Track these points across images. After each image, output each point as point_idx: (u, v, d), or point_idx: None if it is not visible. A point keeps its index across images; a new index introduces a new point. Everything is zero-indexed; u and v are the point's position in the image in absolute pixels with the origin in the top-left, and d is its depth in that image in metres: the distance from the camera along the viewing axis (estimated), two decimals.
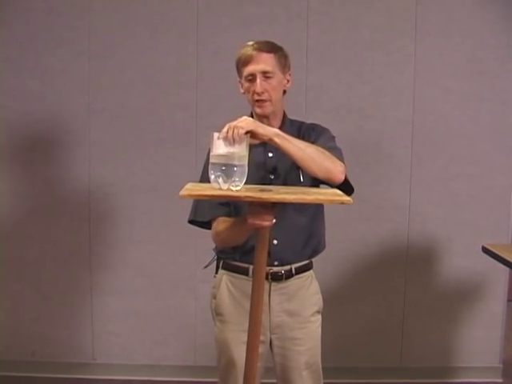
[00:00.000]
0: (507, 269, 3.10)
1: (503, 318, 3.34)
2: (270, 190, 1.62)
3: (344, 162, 1.87)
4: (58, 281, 3.29)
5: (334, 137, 2.03)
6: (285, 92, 2.01)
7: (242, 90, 1.99)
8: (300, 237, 1.99)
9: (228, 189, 1.57)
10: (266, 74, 1.90)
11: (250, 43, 1.94)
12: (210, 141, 1.61)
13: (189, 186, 1.68)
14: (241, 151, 1.60)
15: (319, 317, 2.10)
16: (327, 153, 1.80)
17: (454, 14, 3.19)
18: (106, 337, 3.34)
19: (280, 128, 1.98)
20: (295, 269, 2.01)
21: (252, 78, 1.91)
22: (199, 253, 3.27)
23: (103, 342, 3.34)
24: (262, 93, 1.90)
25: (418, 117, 3.23)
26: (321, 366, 2.09)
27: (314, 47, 3.18)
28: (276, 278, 1.98)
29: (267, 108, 1.94)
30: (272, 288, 1.99)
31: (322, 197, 1.59)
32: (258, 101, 1.92)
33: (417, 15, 3.18)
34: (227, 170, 1.56)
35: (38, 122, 3.22)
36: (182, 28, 3.18)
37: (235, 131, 1.62)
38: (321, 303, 2.11)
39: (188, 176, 3.18)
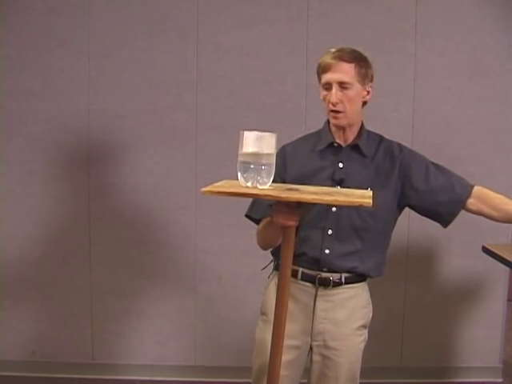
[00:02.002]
0: (507, 269, 3.10)
1: (503, 317, 3.34)
2: (297, 190, 1.61)
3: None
4: (58, 280, 3.29)
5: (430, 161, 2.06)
6: (365, 103, 1.96)
7: (322, 97, 1.95)
8: (353, 255, 1.94)
9: (254, 187, 1.56)
10: (342, 85, 1.86)
11: (333, 50, 1.90)
12: (240, 139, 1.59)
13: (221, 183, 1.67)
14: None
15: (365, 331, 2.04)
16: None
17: (454, 14, 3.19)
18: (106, 337, 3.34)
19: (354, 140, 1.95)
20: (345, 278, 1.96)
21: (329, 87, 1.87)
22: (199, 253, 3.27)
23: (103, 342, 3.34)
24: (337, 103, 1.86)
25: (418, 117, 3.23)
26: (358, 382, 2.03)
27: (314, 47, 3.17)
28: (324, 283, 1.94)
29: (341, 120, 1.90)
30: (318, 293, 1.95)
31: (341, 198, 1.52)
32: (332, 111, 1.88)
33: (417, 15, 3.18)
34: (255, 168, 1.55)
35: (37, 122, 3.22)
36: (182, 28, 3.18)
37: None
38: (368, 318, 2.06)
39: (188, 175, 3.21)
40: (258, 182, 1.56)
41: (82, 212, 3.26)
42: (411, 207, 2.04)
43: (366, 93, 1.94)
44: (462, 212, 3.23)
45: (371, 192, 1.65)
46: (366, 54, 3.15)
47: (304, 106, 3.14)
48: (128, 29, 3.18)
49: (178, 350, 3.35)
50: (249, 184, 1.56)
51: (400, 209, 2.04)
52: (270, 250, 2.07)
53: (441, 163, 3.21)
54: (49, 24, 3.17)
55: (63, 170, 3.25)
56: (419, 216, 3.22)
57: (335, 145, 1.96)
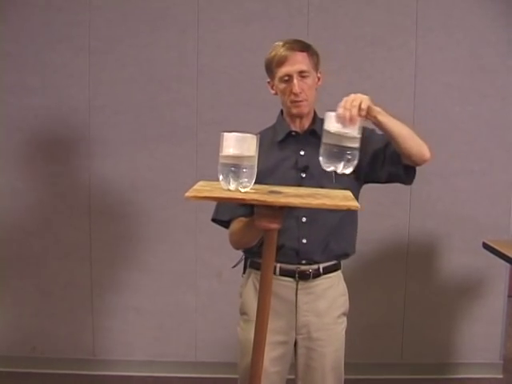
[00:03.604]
0: (507, 265, 3.10)
1: (503, 313, 3.34)
2: (279, 192, 1.60)
3: None
4: (59, 277, 3.29)
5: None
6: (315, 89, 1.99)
7: (273, 91, 1.96)
8: (329, 237, 1.96)
9: (236, 190, 1.55)
10: (302, 74, 1.88)
11: (281, 43, 1.91)
12: (220, 140, 1.59)
13: (198, 185, 1.65)
14: (353, 132, 1.57)
15: (345, 319, 2.06)
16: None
17: (455, 10, 3.19)
18: (107, 333, 3.34)
19: (310, 126, 1.98)
20: (323, 268, 1.97)
21: (288, 79, 1.89)
22: (199, 249, 3.27)
23: (103, 338, 3.35)
24: (300, 93, 1.88)
25: (419, 113, 3.22)
26: (343, 370, 2.06)
27: (314, 43, 3.13)
28: (303, 276, 1.95)
29: (304, 108, 1.93)
30: (299, 287, 1.96)
31: (328, 202, 1.53)
32: (295, 101, 1.90)
33: (417, 11, 3.17)
34: (236, 171, 1.54)
35: (38, 117, 3.22)
36: (182, 24, 3.18)
37: (354, 110, 1.58)
38: (347, 305, 2.08)
39: (188, 171, 3.21)
40: (239, 184, 1.55)
41: (83, 208, 3.26)
42: (372, 181, 2.03)
43: (317, 79, 1.97)
44: (462, 208, 3.25)
45: (350, 193, 1.68)
46: (366, 50, 3.18)
47: None
48: (128, 24, 3.18)
49: (178, 346, 3.35)
50: (231, 187, 1.55)
51: (361, 185, 2.05)
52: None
53: (441, 159, 3.24)
54: (49, 20, 3.17)
55: (63, 166, 3.25)
56: (420, 212, 3.26)
57: (293, 133, 1.98)
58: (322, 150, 1.59)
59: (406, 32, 3.19)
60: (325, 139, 1.59)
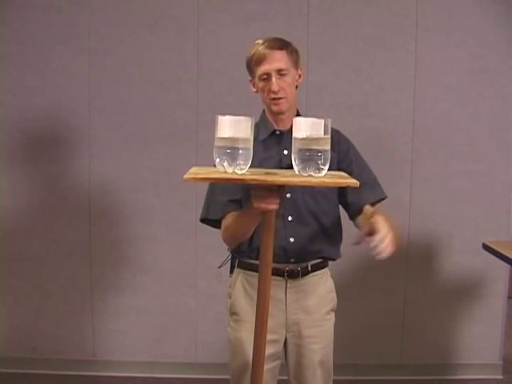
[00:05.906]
0: (507, 266, 3.10)
1: (503, 314, 3.34)
2: (276, 174, 1.60)
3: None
4: (59, 278, 3.29)
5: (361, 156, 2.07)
6: (296, 87, 2.00)
7: (254, 89, 1.98)
8: (316, 238, 1.98)
9: (233, 172, 1.54)
10: (280, 72, 1.89)
11: (260, 41, 1.92)
12: (215, 123, 1.57)
13: (193, 169, 1.64)
14: (320, 133, 1.56)
15: (333, 315, 2.09)
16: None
17: (455, 10, 3.19)
18: (107, 334, 3.34)
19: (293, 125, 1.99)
20: (311, 266, 2.00)
21: (267, 77, 1.90)
22: (199, 250, 3.27)
23: (103, 339, 3.35)
24: (279, 91, 1.90)
25: (419, 114, 3.22)
26: (332, 364, 2.08)
27: (314, 44, 3.17)
28: (292, 275, 1.97)
29: (283, 105, 1.94)
30: (288, 285, 1.98)
31: (328, 180, 1.54)
32: (274, 99, 1.92)
33: (417, 12, 3.18)
34: (232, 153, 1.52)
35: (38, 119, 3.22)
36: (182, 25, 3.18)
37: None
38: (335, 301, 2.11)
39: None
40: (236, 166, 1.54)
41: (83, 208, 3.26)
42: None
43: (298, 77, 1.98)
44: (462, 209, 3.25)
45: (344, 173, 1.69)
46: (366, 50, 3.18)
47: (305, 103, 3.13)
48: (128, 25, 3.18)
49: (178, 346, 3.35)
50: (227, 170, 1.54)
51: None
52: (228, 248, 2.08)
53: (441, 160, 3.24)
54: (49, 21, 3.17)
55: (64, 167, 3.25)
56: (420, 213, 3.25)
57: (277, 132, 1.99)
58: (293, 157, 1.58)
59: (406, 33, 3.19)
60: (294, 146, 1.59)
